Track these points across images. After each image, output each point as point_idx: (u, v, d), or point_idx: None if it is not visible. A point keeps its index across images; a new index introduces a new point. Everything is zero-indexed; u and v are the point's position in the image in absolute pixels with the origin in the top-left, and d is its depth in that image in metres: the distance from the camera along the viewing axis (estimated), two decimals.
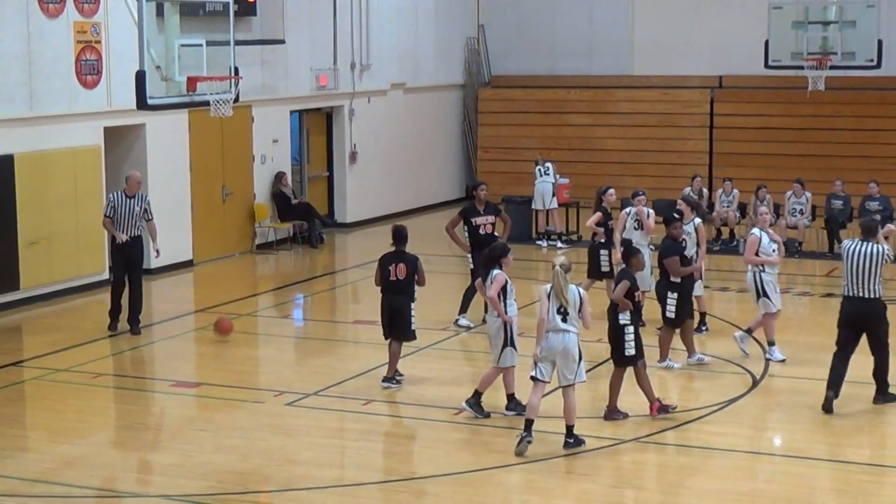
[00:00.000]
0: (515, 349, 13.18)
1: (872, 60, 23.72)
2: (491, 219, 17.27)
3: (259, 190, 23.79)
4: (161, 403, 14.39)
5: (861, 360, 15.82)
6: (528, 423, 12.22)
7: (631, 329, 12.98)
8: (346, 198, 26.63)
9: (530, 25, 30.30)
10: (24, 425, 13.61)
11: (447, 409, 13.71)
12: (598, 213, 17.78)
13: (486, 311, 17.28)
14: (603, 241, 17.67)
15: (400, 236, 14.54)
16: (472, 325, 17.16)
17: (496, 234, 17.34)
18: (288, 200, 24.07)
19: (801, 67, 24.11)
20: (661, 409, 13.13)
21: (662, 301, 15.06)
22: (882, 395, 13.80)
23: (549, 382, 12.33)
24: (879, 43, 23.59)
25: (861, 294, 13.53)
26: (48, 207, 19.06)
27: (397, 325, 14.47)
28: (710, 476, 11.78)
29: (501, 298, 13.12)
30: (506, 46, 30.59)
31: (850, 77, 26.22)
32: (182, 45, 16.49)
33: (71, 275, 19.40)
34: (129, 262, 17.18)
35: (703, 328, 16.73)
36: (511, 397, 13.42)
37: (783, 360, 15.48)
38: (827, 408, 13.35)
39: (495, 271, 13.13)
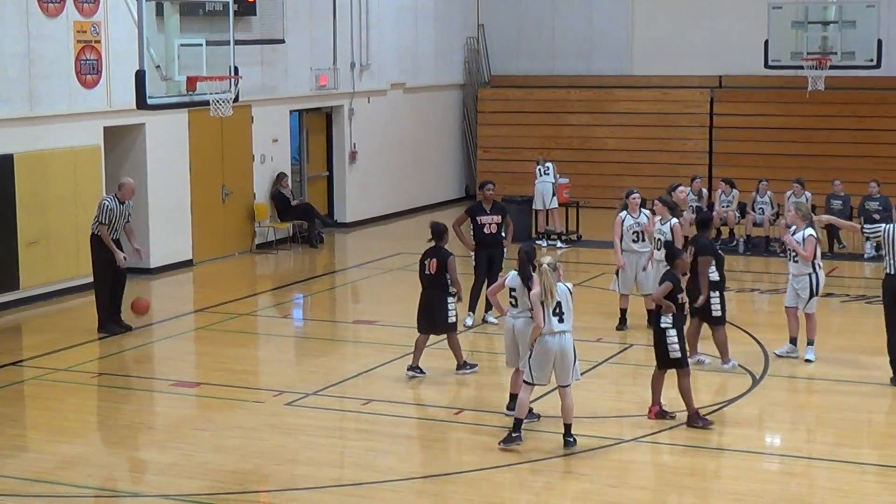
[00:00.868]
0: None
1: (872, 60, 23.73)
2: (497, 218, 17.27)
3: (259, 190, 23.80)
4: (160, 403, 14.39)
5: (861, 361, 15.85)
6: (518, 423, 12.24)
7: (673, 332, 12.76)
8: (346, 197, 26.64)
9: (530, 25, 30.31)
10: (24, 425, 13.61)
11: (447, 409, 13.71)
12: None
13: (486, 311, 17.39)
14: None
15: (435, 232, 14.93)
16: (495, 321, 17.11)
17: (502, 233, 17.37)
18: (287, 201, 24.07)
19: (801, 67, 24.12)
20: (659, 413, 13.07)
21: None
22: None
23: (533, 387, 12.34)
24: (879, 43, 23.60)
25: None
26: (48, 207, 19.05)
27: (426, 319, 14.70)
28: (710, 476, 11.78)
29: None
30: (506, 46, 30.60)
31: (850, 77, 26.23)
32: (182, 45, 16.49)
33: (70, 274, 19.39)
34: (117, 267, 17.11)
35: None
36: (514, 397, 13.38)
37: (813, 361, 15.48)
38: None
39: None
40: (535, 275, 12.42)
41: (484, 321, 17.39)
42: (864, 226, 19.30)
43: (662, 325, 12.82)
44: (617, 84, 29.53)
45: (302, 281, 21.83)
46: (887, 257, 14.44)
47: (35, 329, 17.84)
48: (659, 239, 16.15)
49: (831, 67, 23.75)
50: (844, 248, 23.00)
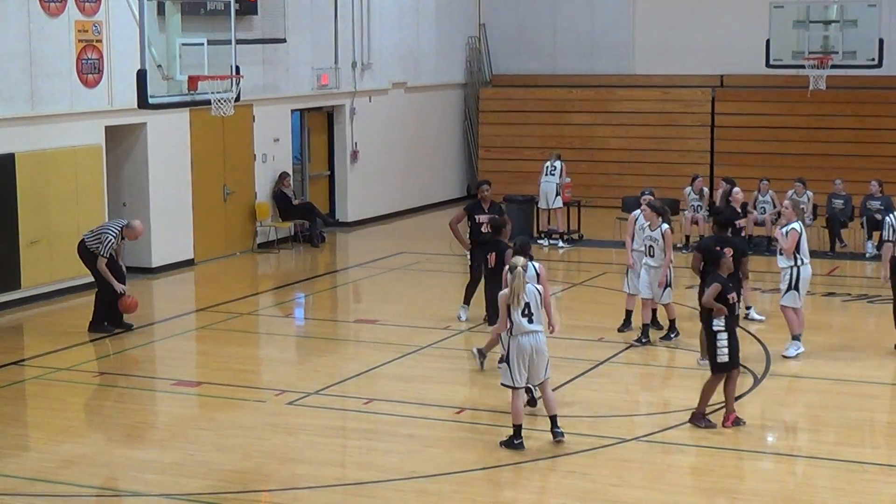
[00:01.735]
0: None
1: (873, 60, 23.74)
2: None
3: (260, 189, 23.80)
4: (162, 402, 14.39)
5: (862, 360, 15.85)
6: (518, 429, 12.24)
7: (724, 336, 12.67)
8: (347, 197, 26.64)
9: (531, 24, 30.30)
10: (25, 424, 13.62)
11: (448, 408, 13.72)
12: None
13: (487, 312, 17.39)
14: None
15: (495, 226, 15.54)
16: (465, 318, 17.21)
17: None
18: (289, 201, 24.08)
19: (803, 67, 24.13)
20: (735, 421, 12.87)
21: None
22: None
23: (521, 389, 12.35)
24: (881, 42, 23.61)
25: None
26: (49, 206, 19.06)
27: (490, 311, 15.31)
28: (711, 475, 11.77)
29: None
30: (507, 45, 30.59)
31: (852, 76, 26.23)
32: (183, 44, 16.50)
33: (72, 274, 19.37)
34: (117, 269, 17.22)
35: (672, 335, 16.35)
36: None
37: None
38: None
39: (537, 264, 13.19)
40: (508, 275, 12.37)
41: (485, 320, 17.37)
42: (863, 220, 19.36)
43: (714, 329, 12.74)
44: (618, 83, 29.53)
45: (303, 280, 21.83)
46: None
47: (36, 328, 17.85)
48: (651, 246, 15.92)
49: (833, 67, 23.76)
50: (846, 246, 23.00)
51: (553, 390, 12.70)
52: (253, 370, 15.85)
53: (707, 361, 14.98)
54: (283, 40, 23.87)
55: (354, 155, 26.59)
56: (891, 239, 16.20)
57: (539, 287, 12.42)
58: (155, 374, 15.63)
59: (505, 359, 12.25)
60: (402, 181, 28.15)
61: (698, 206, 23.24)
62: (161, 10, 16.91)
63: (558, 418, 12.40)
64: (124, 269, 17.48)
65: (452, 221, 17.57)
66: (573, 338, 16.23)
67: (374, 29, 26.79)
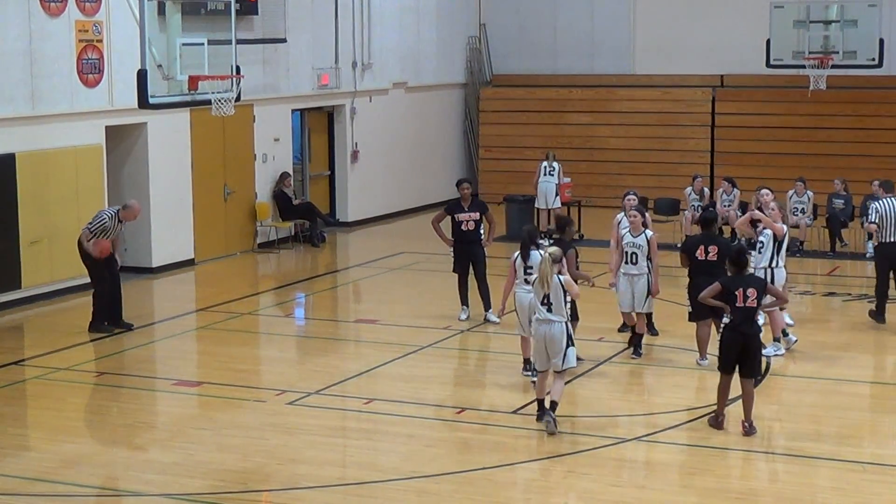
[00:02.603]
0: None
1: (874, 60, 23.72)
2: (474, 215, 17.40)
3: (260, 189, 23.80)
4: (162, 402, 14.39)
5: (862, 360, 15.86)
6: (541, 403, 12.74)
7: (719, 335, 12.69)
8: (348, 197, 26.64)
9: (532, 24, 30.30)
10: (26, 424, 13.62)
11: (448, 409, 13.72)
12: (749, 214, 17.21)
13: (486, 310, 17.40)
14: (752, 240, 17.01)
15: (559, 225, 15.30)
16: (496, 319, 17.06)
17: (481, 231, 17.45)
18: (289, 201, 24.08)
19: (803, 66, 24.11)
20: (748, 429, 12.75)
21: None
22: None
23: (547, 370, 12.73)
24: (881, 42, 23.59)
25: (894, 239, 17.16)
26: (49, 206, 19.06)
27: None
28: (711, 475, 11.77)
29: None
30: (507, 45, 30.59)
31: (852, 76, 26.22)
32: (184, 44, 16.49)
33: (72, 274, 19.36)
34: (113, 266, 17.22)
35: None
36: (528, 361, 14.28)
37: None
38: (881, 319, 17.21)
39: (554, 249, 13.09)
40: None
41: (486, 320, 17.39)
42: (864, 219, 19.50)
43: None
44: (619, 83, 29.52)
45: (304, 280, 21.83)
46: (884, 231, 17.02)
47: (36, 328, 17.85)
48: (634, 253, 15.34)
49: (833, 67, 23.74)
50: (846, 246, 23.00)
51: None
52: (253, 370, 15.85)
53: (705, 361, 15.06)
54: (284, 40, 23.87)
55: (355, 155, 26.59)
56: (873, 221, 17.58)
57: (563, 278, 12.73)
58: (155, 373, 15.63)
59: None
60: (402, 181, 28.14)
61: (699, 206, 23.22)
62: (161, 10, 16.89)
63: (557, 407, 12.60)
64: (119, 262, 17.45)
65: (434, 220, 17.69)
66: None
67: (374, 29, 26.79)
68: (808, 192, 23.18)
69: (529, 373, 14.23)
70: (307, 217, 24.44)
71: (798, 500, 11.07)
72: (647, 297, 15.42)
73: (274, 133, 24.11)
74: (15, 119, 18.52)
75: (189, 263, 21.95)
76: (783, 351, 15.63)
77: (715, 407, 12.87)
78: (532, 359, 13.40)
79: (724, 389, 12.76)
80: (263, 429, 12.97)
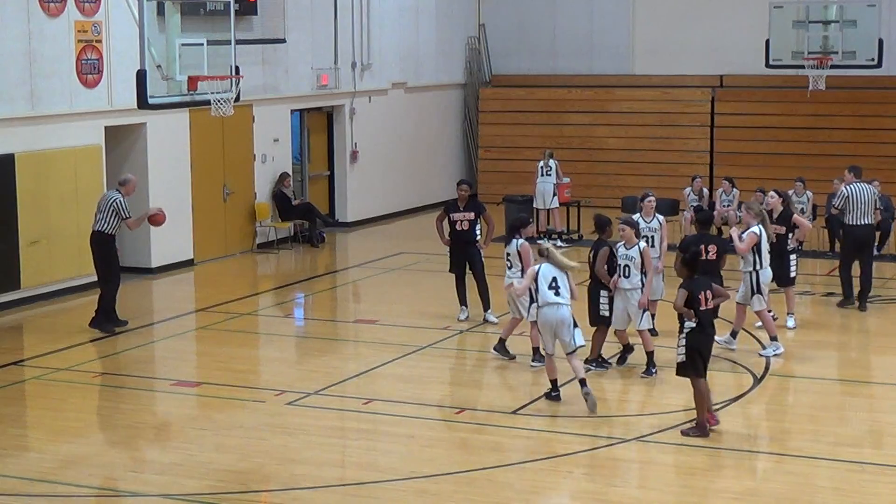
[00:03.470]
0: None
1: (873, 60, 23.72)
2: (469, 216, 17.43)
3: (260, 189, 23.80)
4: (162, 403, 14.39)
5: (862, 360, 15.87)
6: (553, 383, 13.58)
7: (683, 338, 12.57)
8: (347, 197, 26.64)
9: (531, 25, 30.30)
10: (25, 424, 13.62)
11: (448, 409, 13.72)
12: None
13: (486, 310, 17.42)
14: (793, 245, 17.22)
15: (598, 224, 15.15)
16: (495, 320, 17.24)
17: (477, 232, 17.46)
18: (289, 201, 24.08)
19: (802, 67, 24.11)
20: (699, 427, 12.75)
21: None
22: (865, 299, 18.27)
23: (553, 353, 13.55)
24: (880, 42, 23.59)
25: (863, 222, 18.24)
26: (49, 207, 19.06)
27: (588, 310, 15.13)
28: (711, 475, 11.78)
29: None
30: (506, 46, 30.59)
31: (851, 76, 26.23)
32: (183, 45, 16.49)
33: (71, 274, 19.40)
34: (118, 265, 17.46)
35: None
36: (536, 350, 14.70)
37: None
38: (848, 304, 18.30)
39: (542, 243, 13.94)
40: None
41: (485, 320, 17.39)
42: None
43: (686, 330, 12.72)
44: (618, 83, 29.52)
45: (303, 280, 21.83)
46: (850, 213, 18.16)
47: (36, 329, 17.85)
48: (627, 266, 14.65)
49: (832, 67, 23.75)
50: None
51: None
52: (252, 370, 15.85)
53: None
54: (283, 40, 23.86)
55: (354, 155, 26.59)
56: (836, 206, 18.82)
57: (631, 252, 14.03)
58: (154, 374, 15.63)
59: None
60: (401, 181, 28.14)
61: (698, 206, 23.21)
62: (161, 11, 16.91)
63: (587, 381, 13.39)
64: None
65: (437, 219, 17.76)
66: None
67: (373, 29, 26.79)
68: (808, 192, 23.17)
69: (537, 364, 14.71)
70: (306, 217, 24.43)
71: (797, 501, 11.07)
72: (644, 312, 14.79)
73: (273, 133, 24.11)
74: (14, 119, 18.52)
75: (188, 264, 21.94)
76: (782, 349, 15.64)
77: (696, 417, 12.71)
78: (540, 344, 14.06)
79: (706, 393, 12.65)
80: (262, 429, 12.97)
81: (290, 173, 24.61)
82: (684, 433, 12.59)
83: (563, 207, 24.73)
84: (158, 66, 16.23)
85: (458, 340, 16.76)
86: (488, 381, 14.90)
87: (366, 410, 13.61)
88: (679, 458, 12.25)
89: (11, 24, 18.44)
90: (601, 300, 14.77)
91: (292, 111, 24.99)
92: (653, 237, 16.26)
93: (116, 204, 17.07)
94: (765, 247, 15.65)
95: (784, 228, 16.71)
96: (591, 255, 14.82)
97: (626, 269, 14.71)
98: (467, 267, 17.50)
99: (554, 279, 13.38)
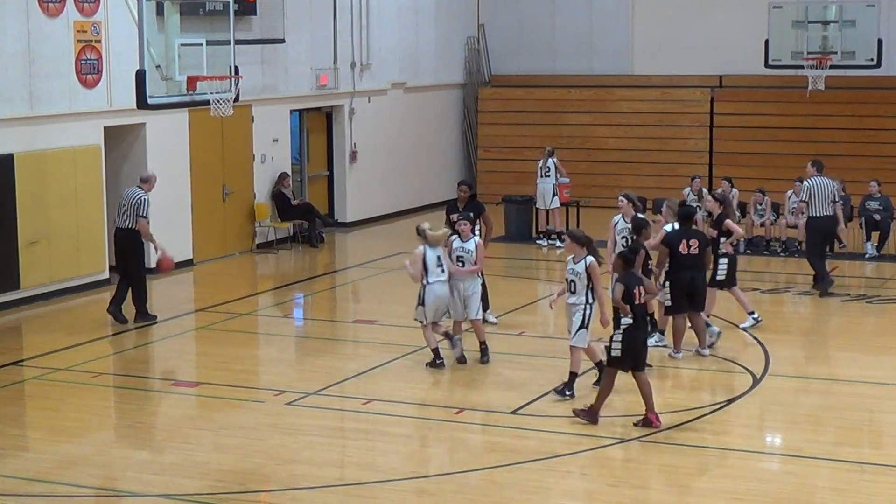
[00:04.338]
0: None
1: (872, 60, 23.71)
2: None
3: (259, 189, 23.80)
4: (161, 403, 14.39)
5: (861, 360, 15.87)
6: (435, 351, 14.91)
7: (619, 332, 12.77)
8: (347, 197, 26.63)
9: (530, 25, 30.30)
10: (24, 424, 13.61)
11: (447, 409, 13.71)
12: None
13: (485, 310, 17.40)
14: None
15: (636, 227, 15.14)
16: (494, 320, 17.34)
17: (476, 231, 17.40)
18: (288, 201, 24.08)
19: (802, 67, 24.10)
20: (647, 421, 12.84)
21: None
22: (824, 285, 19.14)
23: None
24: (879, 42, 23.59)
25: (824, 213, 19.11)
26: (48, 207, 19.05)
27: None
28: (711, 476, 11.78)
29: None
30: (506, 46, 30.58)
31: (851, 76, 26.22)
32: (182, 45, 16.49)
33: (71, 274, 19.40)
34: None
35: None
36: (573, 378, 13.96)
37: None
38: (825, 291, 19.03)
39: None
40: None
41: (484, 321, 17.37)
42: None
43: (623, 325, 12.88)
44: (617, 83, 29.52)
45: (302, 280, 21.83)
46: (813, 205, 19.05)
47: (35, 329, 17.85)
48: (573, 281, 13.72)
49: (831, 67, 23.74)
50: (844, 247, 22.97)
51: (552, 390, 12.91)
52: (252, 370, 15.85)
53: (679, 354, 15.13)
54: (282, 40, 23.86)
55: (353, 155, 26.58)
56: (804, 199, 19.39)
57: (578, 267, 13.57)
58: (154, 374, 15.64)
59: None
60: (401, 181, 28.14)
61: (697, 206, 23.18)
62: (160, 11, 16.89)
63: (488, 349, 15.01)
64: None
65: (447, 221, 17.75)
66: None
67: (373, 29, 26.78)
68: None
69: (566, 395, 13.79)
70: (306, 217, 24.43)
71: (797, 501, 11.07)
72: (580, 330, 13.66)
73: (272, 133, 24.10)
74: (13, 119, 18.51)
75: (188, 264, 21.94)
76: (665, 343, 15.68)
77: (595, 403, 12.96)
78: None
79: (611, 384, 12.93)
80: (262, 429, 12.97)
81: (290, 173, 24.61)
82: (576, 412, 12.94)
83: (562, 207, 24.70)
84: (158, 67, 16.23)
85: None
86: (488, 381, 14.90)
87: (365, 410, 13.60)
88: (679, 458, 12.24)
89: (11, 24, 18.44)
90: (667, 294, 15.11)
91: (291, 111, 24.99)
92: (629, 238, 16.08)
93: (139, 201, 17.38)
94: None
95: (716, 232, 16.67)
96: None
97: (572, 284, 13.71)
98: None
99: (438, 257, 14.80)
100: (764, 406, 14.00)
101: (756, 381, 14.66)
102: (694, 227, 15.99)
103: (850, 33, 23.61)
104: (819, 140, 27.65)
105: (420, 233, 15.08)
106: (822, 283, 19.24)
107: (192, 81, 16.44)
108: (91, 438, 13.02)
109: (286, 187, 24.16)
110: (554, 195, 24.22)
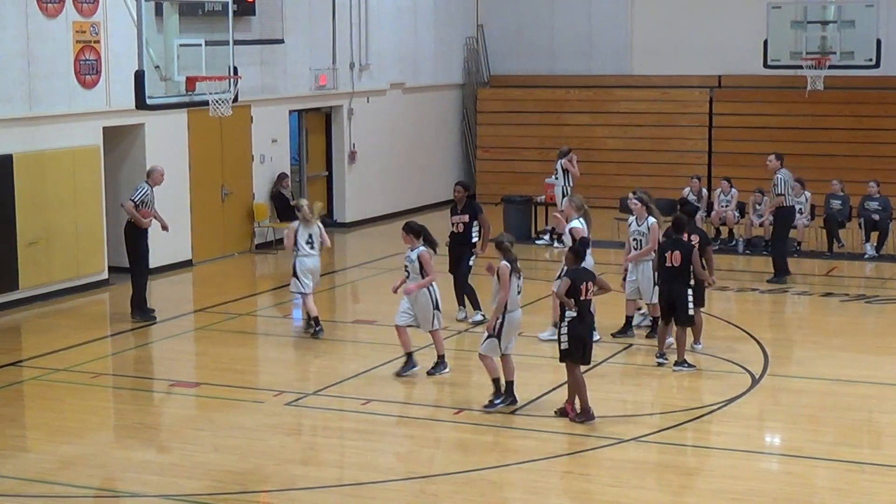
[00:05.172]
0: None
1: (871, 60, 23.71)
2: (464, 218, 17.47)
3: (258, 190, 23.80)
4: (160, 403, 14.39)
5: (861, 360, 15.87)
6: (317, 319, 16.07)
7: (565, 325, 12.97)
8: (346, 197, 26.63)
9: (529, 25, 30.30)
10: (24, 425, 13.61)
11: (447, 409, 13.71)
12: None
13: (476, 309, 17.42)
14: None
15: (674, 225, 15.15)
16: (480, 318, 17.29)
17: (473, 234, 17.42)
18: (287, 201, 24.07)
19: (800, 67, 24.10)
20: (563, 411, 13.05)
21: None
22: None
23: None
24: (878, 42, 23.58)
25: (791, 203, 20.14)
26: (47, 207, 19.05)
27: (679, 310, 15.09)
28: (710, 476, 11.78)
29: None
30: (505, 46, 30.58)
31: (849, 77, 26.21)
32: (181, 45, 16.50)
33: (70, 275, 19.39)
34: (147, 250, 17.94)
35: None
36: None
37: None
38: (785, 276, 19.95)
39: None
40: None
41: (473, 322, 17.38)
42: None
43: (567, 319, 13.00)
44: (616, 84, 29.52)
45: None
46: (786, 198, 19.95)
47: (34, 329, 17.84)
48: (406, 267, 14.83)
49: (830, 67, 23.73)
50: (843, 247, 22.99)
51: (552, 391, 12.78)
52: (251, 371, 15.85)
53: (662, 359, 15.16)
54: (281, 41, 23.87)
55: (352, 156, 26.59)
56: (781, 192, 19.95)
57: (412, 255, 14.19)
58: (153, 374, 15.64)
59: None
60: (400, 182, 28.14)
61: (697, 207, 23.17)
62: (159, 11, 16.91)
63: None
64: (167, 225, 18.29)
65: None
66: None
67: (372, 30, 26.78)
68: (806, 192, 23.17)
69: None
70: None
71: (796, 500, 11.07)
72: (489, 339, 13.52)
73: (271, 134, 24.11)
74: (12, 120, 18.51)
75: (187, 264, 21.94)
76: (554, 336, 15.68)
77: (579, 404, 13.02)
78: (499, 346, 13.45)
79: (576, 379, 13.00)
80: (261, 429, 12.97)
81: (289, 174, 24.61)
82: (571, 418, 12.93)
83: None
84: (157, 67, 16.24)
85: (456, 340, 16.75)
86: (487, 381, 14.87)
87: (364, 411, 13.60)
88: (678, 458, 12.25)
89: (10, 24, 18.43)
90: (688, 298, 14.92)
91: (290, 112, 24.99)
92: (640, 240, 16.23)
93: (135, 189, 17.53)
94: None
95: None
96: (678, 255, 14.85)
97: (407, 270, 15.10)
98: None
99: (310, 235, 16.36)
100: (763, 406, 14.00)
101: (755, 381, 14.66)
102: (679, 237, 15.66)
103: (849, 33, 23.61)
104: (818, 140, 27.66)
105: (297, 210, 16.63)
106: (783, 277, 20.07)
107: (191, 82, 16.44)
108: (90, 439, 13.02)
109: (285, 188, 24.16)
110: (563, 196, 24.15)
